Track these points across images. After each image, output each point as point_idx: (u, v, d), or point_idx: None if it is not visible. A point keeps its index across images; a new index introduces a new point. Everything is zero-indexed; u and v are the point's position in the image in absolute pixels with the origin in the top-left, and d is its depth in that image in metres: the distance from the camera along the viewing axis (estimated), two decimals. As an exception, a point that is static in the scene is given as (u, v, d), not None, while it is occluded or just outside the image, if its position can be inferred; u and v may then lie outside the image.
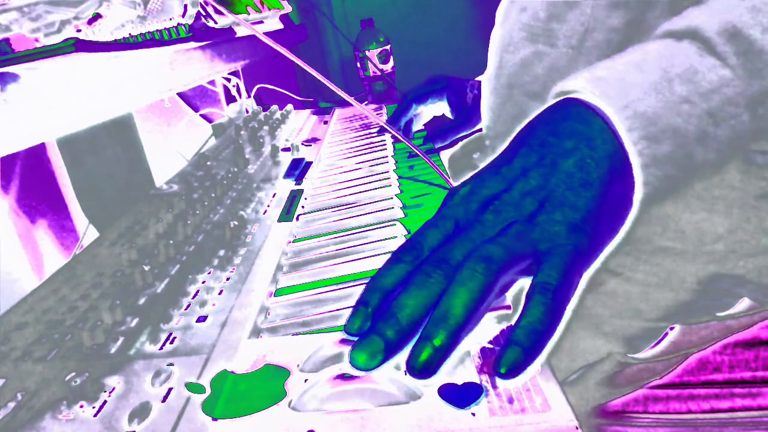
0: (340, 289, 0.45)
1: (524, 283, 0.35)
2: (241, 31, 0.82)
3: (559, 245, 0.34)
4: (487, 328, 0.36)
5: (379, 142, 0.88)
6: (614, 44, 0.54)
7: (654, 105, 0.38)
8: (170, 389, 0.35)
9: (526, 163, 0.38)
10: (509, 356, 0.30)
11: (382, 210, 0.60)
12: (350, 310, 0.42)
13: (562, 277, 0.33)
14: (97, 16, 0.53)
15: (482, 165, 0.41)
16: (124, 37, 0.57)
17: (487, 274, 0.32)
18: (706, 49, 0.40)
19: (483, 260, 0.33)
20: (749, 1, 0.40)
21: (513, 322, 0.36)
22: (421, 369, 0.31)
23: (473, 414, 0.30)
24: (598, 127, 0.38)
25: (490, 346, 0.35)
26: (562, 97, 0.42)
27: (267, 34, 0.85)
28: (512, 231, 0.34)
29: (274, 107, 1.16)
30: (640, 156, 0.37)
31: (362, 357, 0.32)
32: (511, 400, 0.30)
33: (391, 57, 1.39)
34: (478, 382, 0.32)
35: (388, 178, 0.69)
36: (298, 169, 0.78)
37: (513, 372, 0.30)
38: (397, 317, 0.32)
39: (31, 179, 0.74)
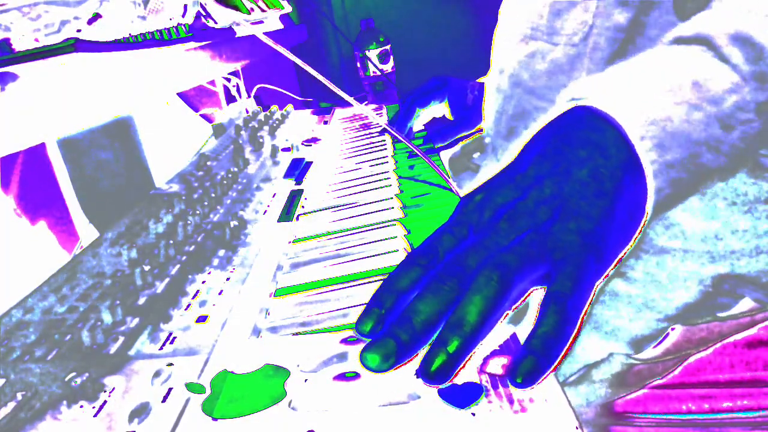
0: (340, 289, 0.45)
1: (538, 291, 0.35)
2: (241, 31, 0.82)
3: (573, 255, 0.34)
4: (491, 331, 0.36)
5: (379, 142, 0.88)
6: (617, 42, 0.54)
7: (666, 112, 0.38)
8: (170, 389, 0.35)
9: (539, 171, 0.38)
10: (526, 365, 0.30)
11: (382, 210, 0.60)
12: (352, 309, 0.42)
13: (576, 286, 0.33)
14: (97, 16, 0.53)
15: (484, 167, 0.41)
16: (124, 37, 0.57)
17: (502, 282, 0.32)
18: (715, 55, 0.40)
19: (498, 268, 0.33)
20: (758, 6, 0.40)
21: (507, 322, 0.36)
22: (434, 375, 0.31)
23: (473, 414, 0.30)
24: (611, 135, 0.38)
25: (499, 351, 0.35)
26: (573, 104, 0.41)
27: (267, 34, 0.85)
28: (527, 240, 0.34)
29: (274, 107, 1.16)
30: (652, 164, 0.37)
31: (375, 358, 0.32)
32: (511, 400, 0.30)
33: (391, 57, 1.39)
34: (478, 382, 0.32)
35: (388, 178, 0.69)
36: (298, 169, 0.78)
37: (529, 380, 0.30)
38: (411, 322, 0.32)
39: (31, 179, 0.74)
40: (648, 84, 0.40)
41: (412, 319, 0.32)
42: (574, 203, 0.36)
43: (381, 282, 0.36)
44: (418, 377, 0.31)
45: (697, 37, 0.41)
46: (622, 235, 0.37)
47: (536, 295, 0.35)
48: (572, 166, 0.37)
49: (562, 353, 0.31)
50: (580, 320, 0.32)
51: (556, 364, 0.31)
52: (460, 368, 0.31)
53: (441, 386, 0.32)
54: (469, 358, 0.32)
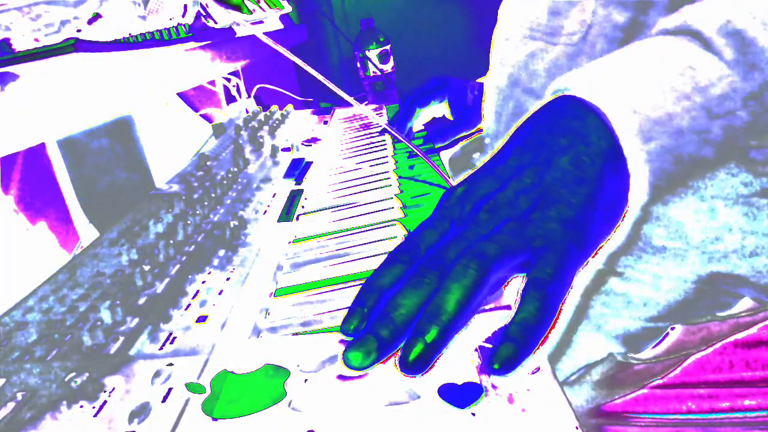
0: (340, 289, 0.45)
1: (520, 280, 0.35)
2: (241, 31, 0.82)
3: (553, 242, 0.34)
4: (488, 327, 0.36)
5: (379, 142, 0.88)
6: (616, 42, 0.54)
7: (649, 101, 0.38)
8: (170, 389, 0.35)
9: (520, 161, 0.38)
10: (503, 352, 0.30)
11: (382, 210, 0.60)
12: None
13: (556, 273, 0.33)
14: (97, 16, 0.53)
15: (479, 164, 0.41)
16: (124, 37, 0.57)
17: (479, 271, 0.32)
18: (702, 45, 0.40)
19: (476, 257, 0.33)
20: None
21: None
22: (412, 365, 0.31)
23: (473, 414, 0.30)
24: (593, 123, 0.38)
25: (490, 345, 0.35)
26: (557, 95, 0.41)
27: (267, 34, 0.85)
28: (506, 228, 0.34)
29: (274, 107, 1.16)
30: (635, 153, 0.37)
31: (357, 356, 0.32)
32: (511, 400, 0.30)
33: (391, 57, 1.39)
34: (478, 382, 0.32)
35: (388, 178, 0.69)
36: (298, 169, 0.78)
37: (507, 367, 0.30)
38: (391, 317, 0.32)
39: (31, 179, 0.74)
40: (632, 73, 0.40)
41: (391, 314, 0.33)
42: (554, 191, 0.36)
43: (363, 281, 0.36)
44: (398, 368, 0.31)
45: (683, 28, 0.41)
46: (605, 222, 0.37)
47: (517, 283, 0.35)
48: (553, 155, 0.37)
49: (541, 340, 0.31)
50: (559, 308, 0.32)
51: (534, 350, 0.31)
52: (438, 358, 0.31)
53: (419, 376, 0.32)
54: (447, 349, 0.32)
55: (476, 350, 0.34)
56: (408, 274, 0.35)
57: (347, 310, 0.35)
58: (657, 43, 0.41)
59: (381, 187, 0.67)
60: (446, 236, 0.37)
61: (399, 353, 0.32)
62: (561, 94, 0.41)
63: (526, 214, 0.35)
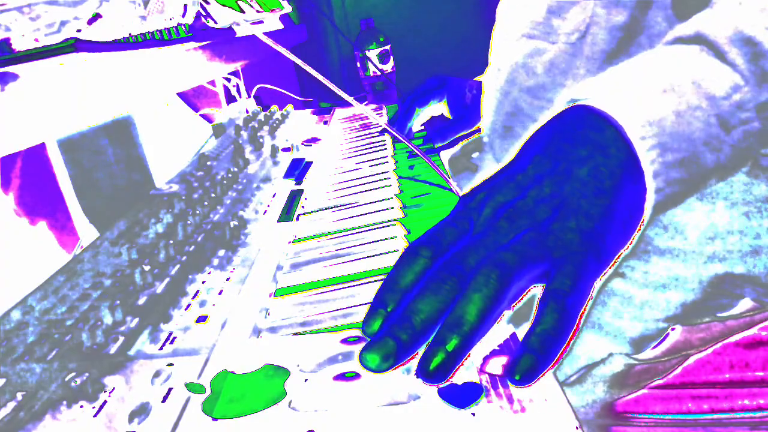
0: (340, 289, 0.45)
1: (537, 290, 0.35)
2: (241, 31, 0.82)
3: (572, 253, 0.34)
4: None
5: (379, 142, 0.88)
6: (615, 42, 0.54)
7: (665, 112, 0.38)
8: (170, 389, 0.35)
9: (539, 170, 0.38)
10: (524, 363, 0.30)
11: (382, 210, 0.60)
12: (352, 309, 0.42)
13: (575, 284, 0.33)
14: (97, 16, 0.53)
15: (482, 164, 0.41)
16: (124, 37, 0.57)
17: (501, 281, 0.32)
18: (715, 55, 0.40)
19: (497, 267, 0.33)
20: (758, 5, 0.40)
21: (506, 322, 0.36)
22: (433, 374, 0.31)
23: (473, 414, 0.30)
24: (611, 135, 0.38)
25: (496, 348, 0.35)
26: (573, 104, 0.41)
27: (267, 34, 0.85)
28: (526, 238, 0.34)
29: (274, 107, 1.16)
30: (652, 164, 0.37)
31: (375, 359, 0.31)
32: (511, 400, 0.30)
33: (391, 57, 1.39)
34: (478, 382, 0.32)
35: (388, 178, 0.69)
36: (298, 169, 0.78)
37: (527, 378, 0.30)
38: (411, 321, 0.32)
39: (31, 179, 0.74)
40: (648, 84, 0.40)
41: (411, 318, 0.32)
42: (573, 202, 0.36)
43: (384, 279, 0.36)
44: (417, 376, 0.31)
45: (697, 37, 0.41)
46: (622, 234, 0.37)
47: (536, 293, 0.35)
48: (572, 165, 0.37)
49: (561, 351, 0.31)
50: (578, 319, 0.32)
51: (554, 362, 0.31)
52: (458, 367, 0.31)
53: (439, 385, 0.32)
54: (468, 357, 0.32)
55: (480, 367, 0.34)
56: (427, 276, 0.35)
57: (368, 309, 0.35)
58: (671, 52, 0.42)
59: (381, 187, 0.67)
60: (465, 238, 0.37)
61: (419, 362, 0.31)
62: (577, 103, 0.41)
63: (546, 225, 0.35)
